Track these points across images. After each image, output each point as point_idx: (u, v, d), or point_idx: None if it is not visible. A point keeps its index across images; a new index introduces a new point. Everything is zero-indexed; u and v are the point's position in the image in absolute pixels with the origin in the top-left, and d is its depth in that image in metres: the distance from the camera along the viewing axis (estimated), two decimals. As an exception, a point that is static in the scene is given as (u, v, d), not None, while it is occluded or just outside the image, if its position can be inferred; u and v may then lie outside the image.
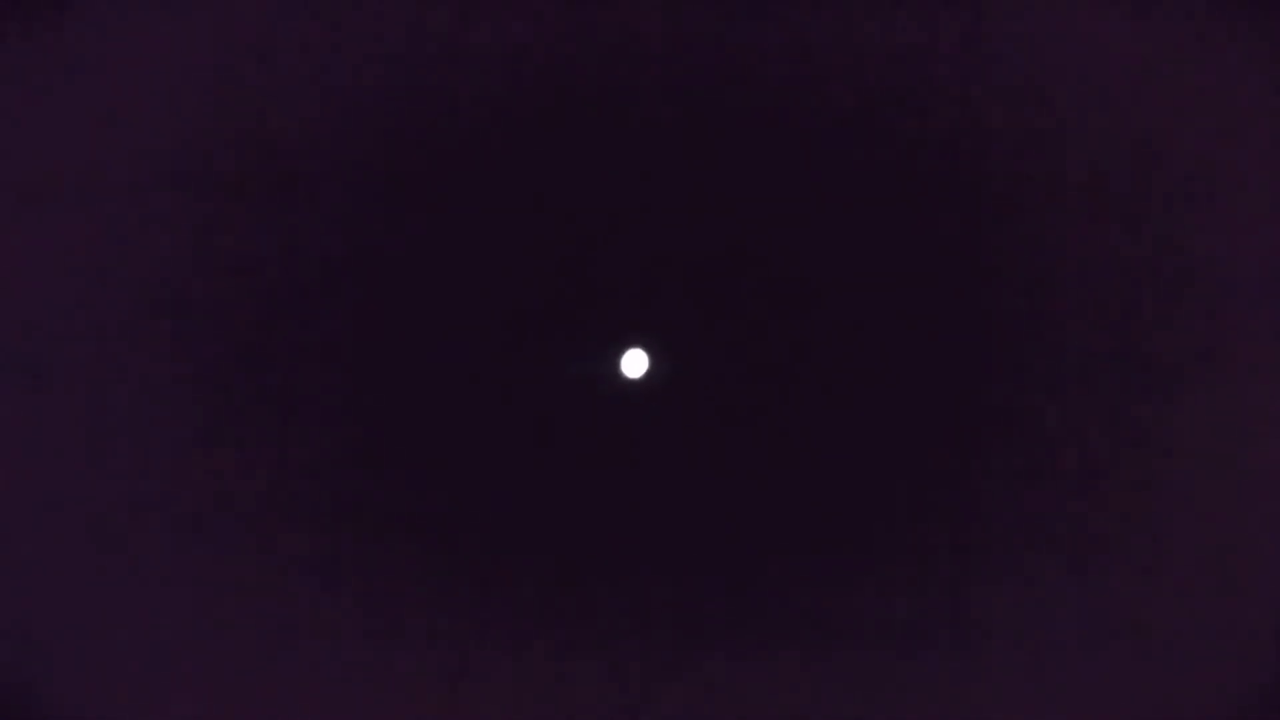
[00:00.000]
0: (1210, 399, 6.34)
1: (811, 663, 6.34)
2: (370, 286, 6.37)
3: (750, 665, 6.35)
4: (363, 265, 6.37)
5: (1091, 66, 6.43)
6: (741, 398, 6.39)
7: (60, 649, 6.26)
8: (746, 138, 6.43)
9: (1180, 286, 6.40)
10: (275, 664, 6.30)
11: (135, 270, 6.37)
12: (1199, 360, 6.36)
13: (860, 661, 6.33)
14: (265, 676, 6.31)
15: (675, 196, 6.43)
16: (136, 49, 6.38)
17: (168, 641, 6.28)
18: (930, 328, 6.41)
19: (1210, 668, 6.26)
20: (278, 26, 6.40)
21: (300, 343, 6.36)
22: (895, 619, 6.35)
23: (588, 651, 6.35)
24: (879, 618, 6.35)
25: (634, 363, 6.31)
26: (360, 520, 6.32)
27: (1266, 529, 6.30)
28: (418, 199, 6.41)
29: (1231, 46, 6.41)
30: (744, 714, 6.33)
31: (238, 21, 6.39)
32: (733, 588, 6.37)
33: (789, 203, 6.44)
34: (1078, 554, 6.32)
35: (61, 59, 6.35)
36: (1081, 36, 6.44)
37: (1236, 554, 6.28)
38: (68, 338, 6.33)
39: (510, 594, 6.33)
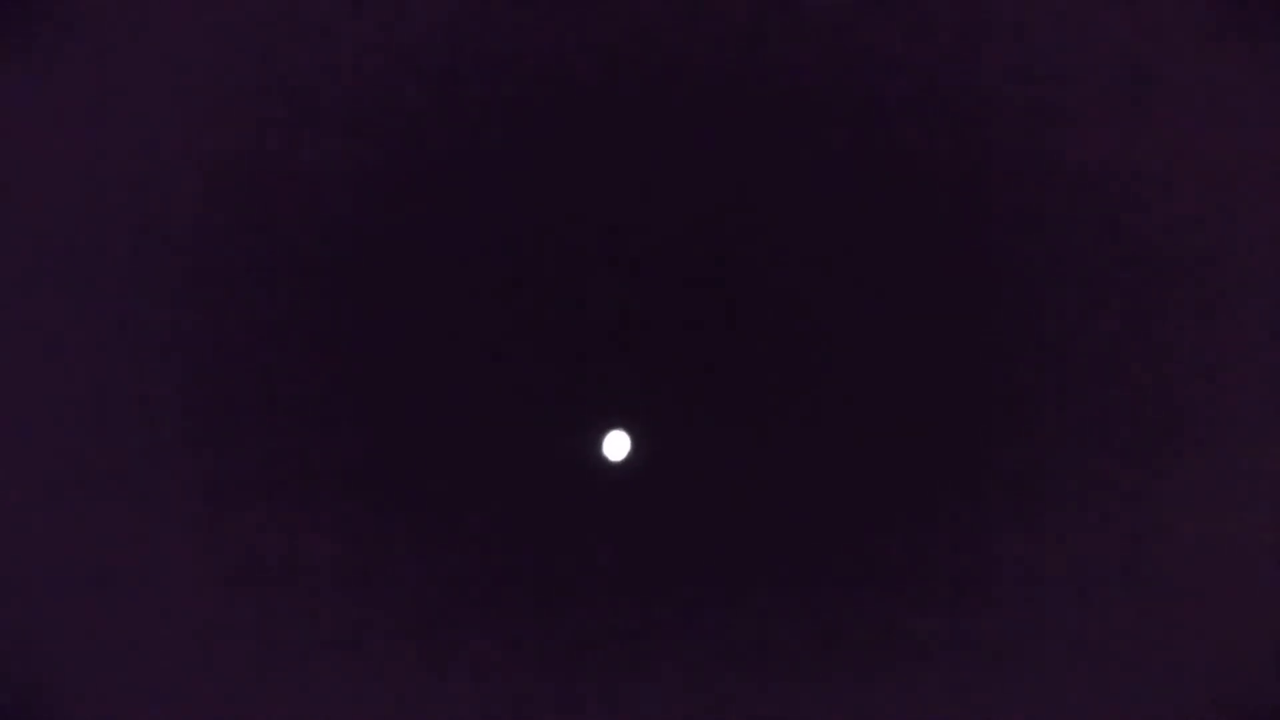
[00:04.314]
0: (1213, 453, 6.33)
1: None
2: (355, 366, 6.34)
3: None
4: (347, 338, 6.34)
5: (1096, 72, 6.39)
6: (723, 480, 6.35)
7: (61, 653, 6.25)
8: (733, 223, 6.38)
9: (1186, 336, 6.36)
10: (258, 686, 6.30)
11: (137, 266, 6.35)
12: (1203, 416, 6.35)
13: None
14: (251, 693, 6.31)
15: (659, 278, 6.38)
16: (140, 45, 6.36)
17: (169, 646, 6.28)
18: (928, 391, 6.36)
19: (1212, 700, 6.24)
20: (278, 27, 6.38)
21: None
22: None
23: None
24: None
25: (616, 445, 6.30)
26: (345, 610, 6.31)
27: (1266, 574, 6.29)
28: (396, 273, 6.36)
29: (1238, 54, 6.37)
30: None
31: (240, 19, 6.37)
32: (711, 673, 6.33)
33: (773, 286, 6.38)
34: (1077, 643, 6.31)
35: (60, 56, 6.33)
36: (1082, 41, 6.40)
37: (1238, 588, 6.26)
38: (67, 336, 6.33)
39: (487, 678, 6.29)
